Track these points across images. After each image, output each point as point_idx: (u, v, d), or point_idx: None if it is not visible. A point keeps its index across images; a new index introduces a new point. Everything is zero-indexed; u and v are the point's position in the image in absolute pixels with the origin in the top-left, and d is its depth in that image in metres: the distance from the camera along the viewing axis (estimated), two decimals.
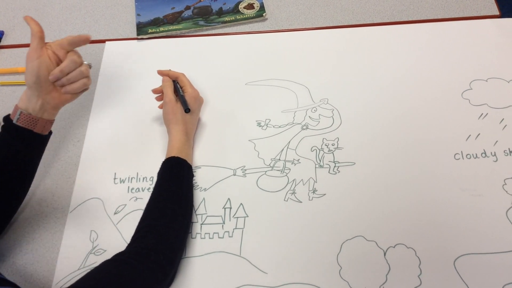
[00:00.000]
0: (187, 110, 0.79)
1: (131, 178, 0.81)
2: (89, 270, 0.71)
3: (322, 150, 0.82)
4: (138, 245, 0.65)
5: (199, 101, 0.84)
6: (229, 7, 1.03)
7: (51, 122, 0.74)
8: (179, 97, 0.81)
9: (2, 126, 0.71)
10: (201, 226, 0.76)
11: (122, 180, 0.81)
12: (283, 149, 0.83)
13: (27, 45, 0.99)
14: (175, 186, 0.74)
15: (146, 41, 0.99)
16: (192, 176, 0.79)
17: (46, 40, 0.98)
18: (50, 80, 0.71)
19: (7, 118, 0.70)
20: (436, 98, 0.87)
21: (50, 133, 0.76)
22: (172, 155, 0.76)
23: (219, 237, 0.75)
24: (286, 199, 0.78)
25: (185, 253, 0.73)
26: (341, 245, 0.73)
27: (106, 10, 1.05)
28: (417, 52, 0.93)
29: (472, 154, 0.80)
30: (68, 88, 0.73)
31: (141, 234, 0.67)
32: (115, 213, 0.78)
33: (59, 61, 0.72)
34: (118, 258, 0.62)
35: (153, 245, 0.64)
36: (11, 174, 0.70)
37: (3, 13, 1.05)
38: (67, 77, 0.72)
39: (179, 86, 0.83)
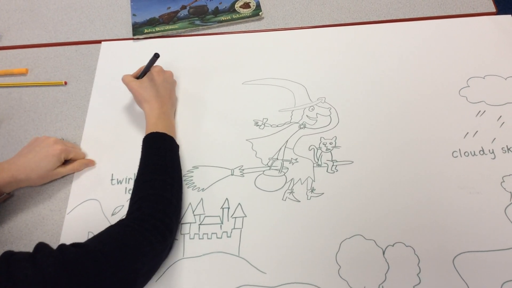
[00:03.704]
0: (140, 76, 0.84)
1: (128, 179, 0.81)
2: None
3: (320, 149, 0.82)
4: (135, 214, 0.67)
5: (164, 73, 0.86)
6: (225, 6, 1.02)
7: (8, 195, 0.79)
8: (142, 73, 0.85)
9: None
10: (199, 227, 0.75)
11: (120, 181, 0.81)
12: (280, 148, 0.83)
13: (23, 47, 0.99)
14: (158, 158, 0.75)
15: (142, 41, 0.99)
16: (177, 146, 0.80)
17: (43, 40, 0.99)
18: None
19: None
20: (434, 95, 0.87)
21: None
22: (149, 131, 0.77)
23: (217, 238, 0.74)
24: (284, 199, 0.78)
25: (183, 253, 0.73)
26: (340, 244, 0.73)
27: (101, 11, 1.05)
28: (414, 50, 0.93)
29: (470, 152, 0.80)
30: None
31: (135, 207, 0.68)
32: (112, 214, 0.77)
33: None
34: (120, 222, 0.66)
35: (149, 212, 0.67)
36: None
37: None
38: None
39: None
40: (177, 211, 0.73)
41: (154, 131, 0.77)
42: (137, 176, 0.73)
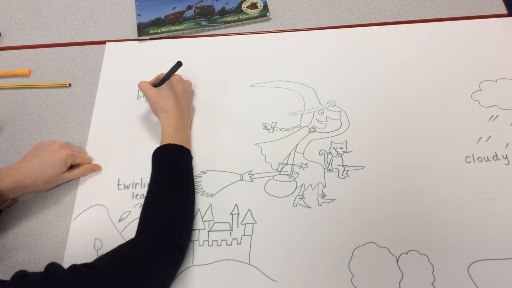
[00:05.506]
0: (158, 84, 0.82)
1: (136, 184, 0.79)
2: None
3: (331, 153, 0.81)
4: (147, 233, 0.65)
5: (184, 83, 0.83)
6: (232, 7, 1.00)
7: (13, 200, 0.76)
8: (161, 81, 0.82)
9: None
10: (208, 233, 0.74)
11: (126, 186, 0.79)
12: (290, 153, 0.81)
13: (25, 47, 0.97)
14: (174, 173, 0.73)
15: (147, 42, 0.97)
16: (191, 159, 0.78)
17: (46, 41, 0.97)
18: None
19: None
20: (446, 99, 0.85)
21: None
22: (166, 142, 0.75)
23: (227, 245, 0.73)
24: (294, 205, 0.76)
25: (192, 261, 0.71)
26: (353, 252, 0.71)
27: (105, 10, 1.03)
28: (425, 52, 0.92)
29: (484, 157, 0.79)
30: None
31: (148, 224, 0.67)
32: (119, 220, 0.76)
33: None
34: (132, 241, 0.64)
35: (163, 232, 0.65)
36: None
37: (0, 14, 1.03)
38: None
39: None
40: (189, 230, 0.72)
41: (171, 142, 0.75)
42: (150, 189, 0.71)
